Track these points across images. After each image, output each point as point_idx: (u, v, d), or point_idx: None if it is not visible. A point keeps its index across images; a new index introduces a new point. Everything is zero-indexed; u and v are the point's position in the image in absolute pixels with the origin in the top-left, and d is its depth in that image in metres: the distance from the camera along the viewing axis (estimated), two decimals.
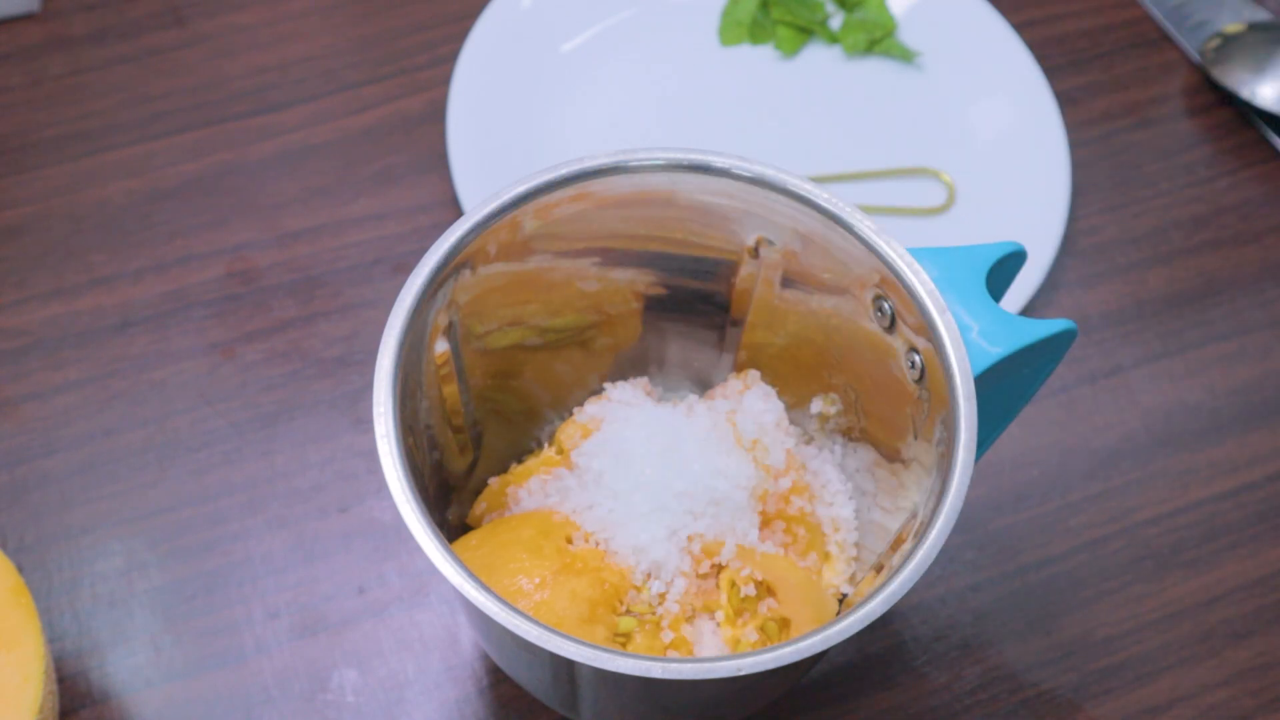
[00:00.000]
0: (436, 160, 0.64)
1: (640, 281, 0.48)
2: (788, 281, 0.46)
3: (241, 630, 0.52)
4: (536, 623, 0.36)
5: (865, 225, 0.42)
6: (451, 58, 0.67)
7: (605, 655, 0.36)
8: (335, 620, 0.52)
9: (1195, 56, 0.70)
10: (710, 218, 0.45)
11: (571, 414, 0.48)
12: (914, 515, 0.42)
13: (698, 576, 0.44)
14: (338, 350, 0.59)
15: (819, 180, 0.64)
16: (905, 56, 0.68)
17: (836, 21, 0.69)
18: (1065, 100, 0.68)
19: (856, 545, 0.48)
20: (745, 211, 0.45)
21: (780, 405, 0.47)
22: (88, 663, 0.51)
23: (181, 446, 0.56)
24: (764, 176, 0.43)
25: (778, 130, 0.66)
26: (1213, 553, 0.56)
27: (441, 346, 0.44)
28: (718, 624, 0.44)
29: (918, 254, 0.42)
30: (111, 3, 0.68)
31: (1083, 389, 0.60)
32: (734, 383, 0.48)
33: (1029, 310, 0.61)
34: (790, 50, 0.68)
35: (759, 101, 0.67)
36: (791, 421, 0.49)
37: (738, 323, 0.49)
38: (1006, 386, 0.44)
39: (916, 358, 0.42)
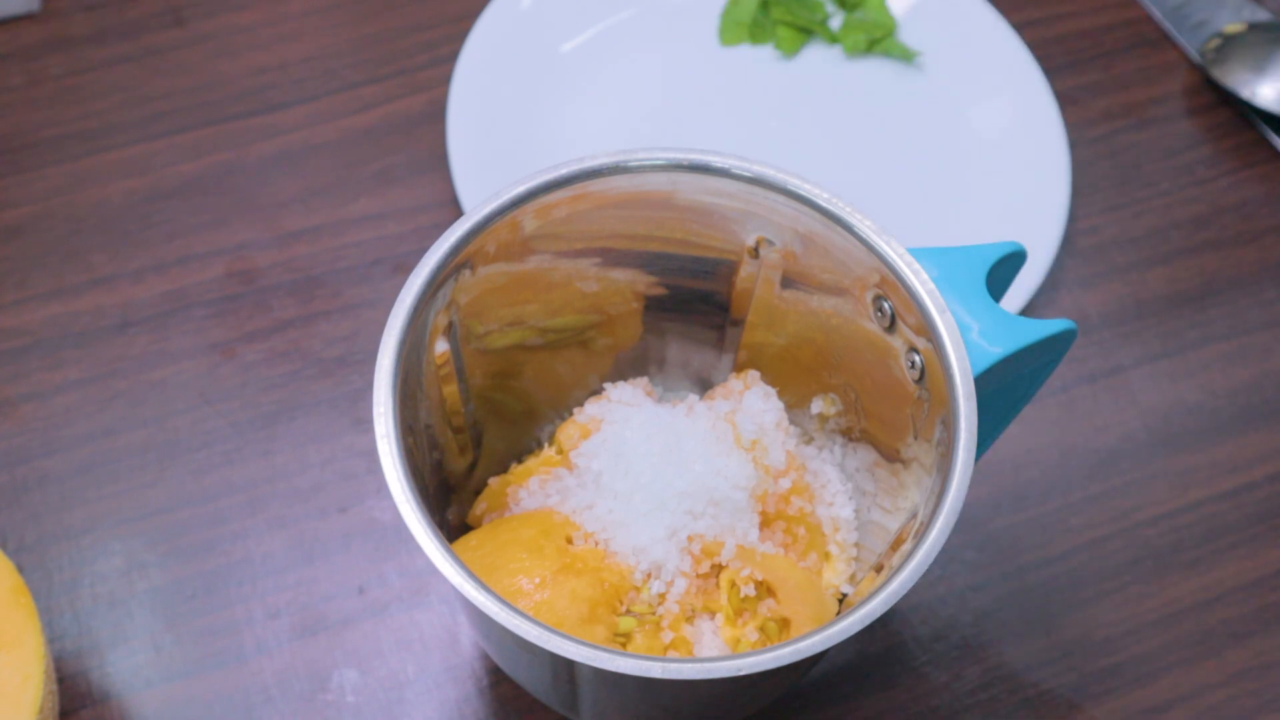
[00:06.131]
0: (436, 160, 0.64)
1: (640, 281, 0.48)
2: (788, 281, 0.46)
3: (241, 630, 0.52)
4: (536, 623, 0.36)
5: (865, 225, 0.42)
6: (451, 58, 0.66)
7: (605, 655, 0.36)
8: (335, 620, 0.52)
9: (1195, 56, 0.70)
10: (710, 218, 0.45)
11: (571, 414, 0.48)
12: (914, 515, 0.42)
13: (698, 576, 0.44)
14: (338, 350, 0.59)
15: None
16: (905, 56, 0.68)
17: (836, 21, 0.69)
18: (1065, 100, 0.68)
19: (856, 545, 0.48)
20: (745, 211, 0.45)
21: (780, 405, 0.47)
22: (88, 663, 0.51)
23: (181, 446, 0.56)
24: (764, 176, 0.43)
25: (778, 130, 0.66)
26: (1213, 553, 0.56)
27: (441, 346, 0.44)
28: (718, 624, 0.44)
29: (918, 254, 0.42)
30: (111, 3, 0.68)
31: (1083, 389, 0.60)
32: (734, 383, 0.48)
33: (1029, 310, 0.61)
34: (790, 50, 0.68)
35: (759, 101, 0.67)
36: (791, 421, 0.49)
37: (738, 323, 0.49)
38: (1006, 386, 0.44)
39: (916, 358, 0.42)
